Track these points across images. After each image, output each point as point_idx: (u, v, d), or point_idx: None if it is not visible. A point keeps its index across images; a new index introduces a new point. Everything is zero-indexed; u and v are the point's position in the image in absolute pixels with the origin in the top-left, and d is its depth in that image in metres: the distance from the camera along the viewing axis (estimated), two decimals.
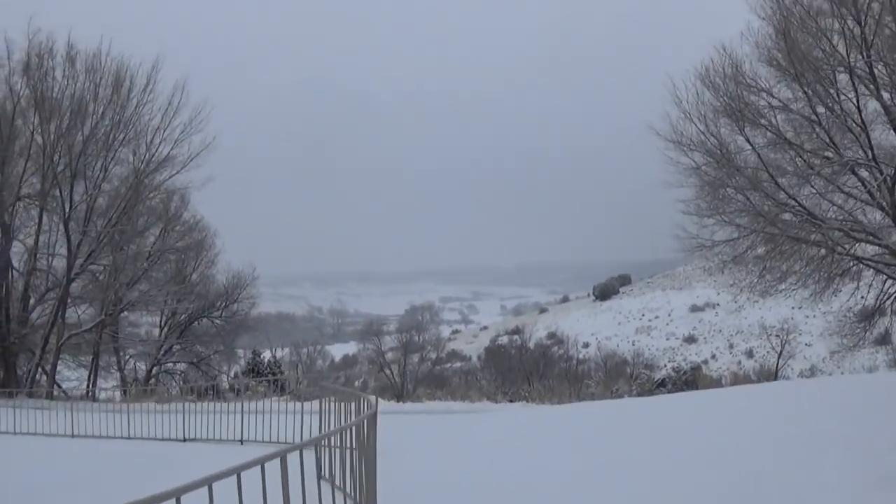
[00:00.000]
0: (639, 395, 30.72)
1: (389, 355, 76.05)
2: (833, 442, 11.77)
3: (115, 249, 36.64)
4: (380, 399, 32.42)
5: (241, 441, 17.92)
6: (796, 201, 28.53)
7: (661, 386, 32.20)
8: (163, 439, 19.55)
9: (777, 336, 72.38)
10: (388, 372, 73.27)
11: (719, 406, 19.35)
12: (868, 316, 32.23)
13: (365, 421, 8.42)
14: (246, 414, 17.97)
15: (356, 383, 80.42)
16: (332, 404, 13.75)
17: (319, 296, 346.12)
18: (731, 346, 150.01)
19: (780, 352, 59.94)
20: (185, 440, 19.40)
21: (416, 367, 73.25)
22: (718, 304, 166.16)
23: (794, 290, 30.95)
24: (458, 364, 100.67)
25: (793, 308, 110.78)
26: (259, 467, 5.74)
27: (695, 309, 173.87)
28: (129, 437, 20.36)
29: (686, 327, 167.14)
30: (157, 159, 36.30)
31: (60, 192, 34.55)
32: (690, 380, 32.65)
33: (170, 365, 46.82)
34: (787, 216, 29.23)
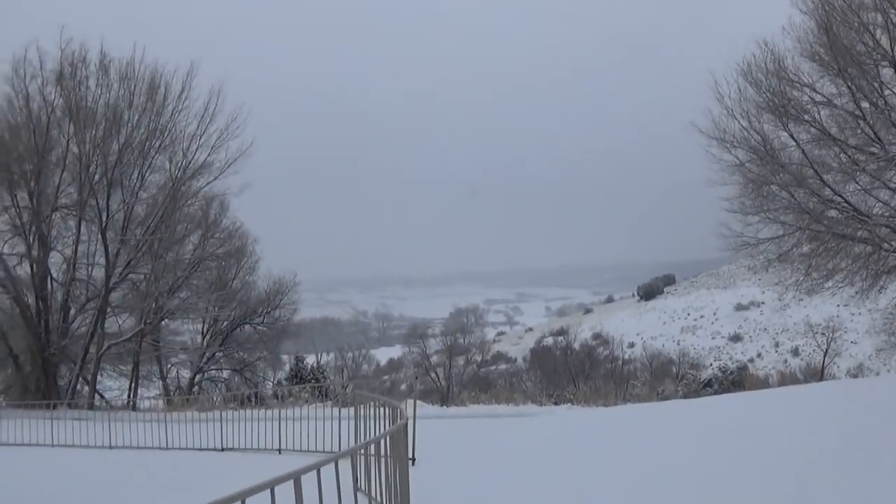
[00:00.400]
0: (685, 396, 30.36)
1: (434, 358, 76.23)
2: (885, 446, 11.46)
3: (154, 258, 36.48)
4: (423, 403, 32.29)
5: (280, 450, 17.75)
6: (842, 197, 28.00)
7: (708, 386, 31.80)
8: (200, 449, 19.44)
9: (823, 334, 71.49)
10: (433, 375, 73.09)
11: (766, 408, 19.02)
12: None
13: (393, 433, 8.13)
14: (285, 421, 17.78)
15: (402, 387, 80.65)
16: (369, 410, 13.59)
17: (364, 300, 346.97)
18: (776, 345, 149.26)
19: (826, 350, 59.45)
20: (222, 449, 19.27)
21: (462, 369, 73.15)
22: (763, 303, 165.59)
23: (840, 287, 30.45)
24: (503, 366, 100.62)
25: (838, 306, 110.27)
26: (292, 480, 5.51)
27: (739, 308, 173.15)
28: (166, 448, 20.31)
29: (731, 326, 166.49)
30: (193, 166, 35.96)
31: (97, 202, 34.30)
32: (737, 380, 32.23)
33: (213, 372, 46.70)
34: (832, 213, 28.73)
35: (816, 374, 45.89)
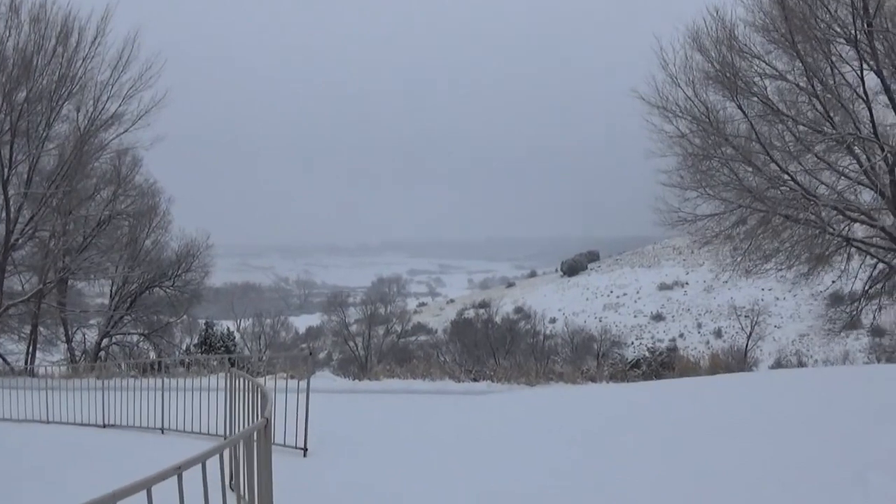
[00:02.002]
0: (611, 376, 28.96)
1: (354, 327, 75.95)
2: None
3: (60, 214, 34.41)
4: (333, 376, 30.64)
5: (163, 430, 15.77)
6: (790, 176, 26.66)
7: (636, 367, 30.42)
8: (82, 424, 17.44)
9: (747, 317, 71.76)
10: (351, 344, 72.50)
11: (710, 396, 17.46)
12: (855, 300, 30.71)
13: (245, 438, 6.38)
14: (179, 392, 15.59)
15: (320, 356, 79.67)
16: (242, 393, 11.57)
17: (287, 267, 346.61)
18: (699, 326, 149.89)
19: (750, 333, 59.58)
20: (104, 426, 17.27)
21: (381, 339, 72.50)
22: (687, 283, 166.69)
23: (780, 269, 29.26)
24: (423, 337, 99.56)
25: (763, 290, 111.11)
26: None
27: (663, 287, 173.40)
28: (47, 422, 18.40)
29: (654, 305, 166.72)
30: (103, 117, 34.04)
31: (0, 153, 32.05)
32: (666, 361, 30.85)
33: (121, 337, 44.53)
34: (776, 192, 27.39)
35: (740, 356, 44.87)
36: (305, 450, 12.42)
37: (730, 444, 11.17)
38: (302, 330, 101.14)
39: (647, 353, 32.62)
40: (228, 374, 11.82)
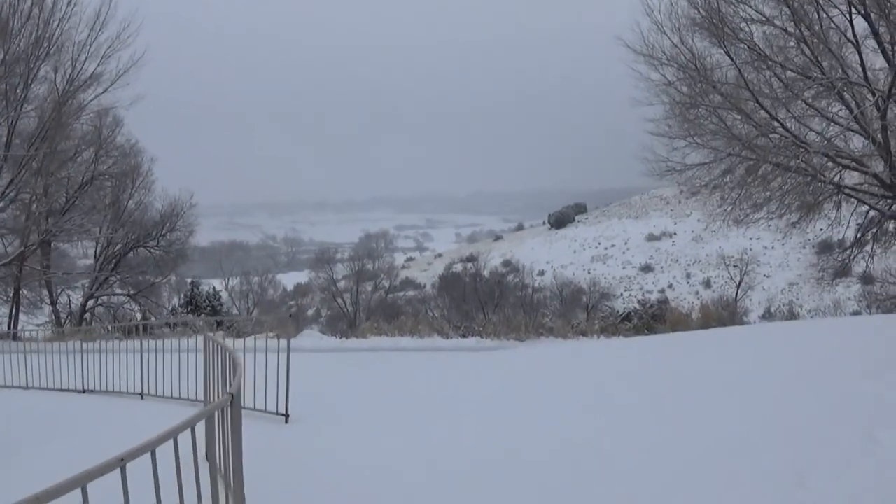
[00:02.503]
0: (602, 330, 28.61)
1: (342, 283, 75.73)
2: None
3: (43, 176, 33.92)
4: (320, 335, 30.22)
5: (142, 395, 15.30)
6: (780, 123, 26.14)
7: (627, 320, 30.09)
8: (61, 390, 17.01)
9: (736, 266, 71.84)
10: (339, 301, 72.34)
11: (706, 352, 17.03)
12: (846, 248, 30.36)
13: (207, 414, 5.98)
14: (159, 354, 15.10)
15: (308, 313, 79.61)
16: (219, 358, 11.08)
17: (274, 224, 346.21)
18: (688, 276, 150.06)
19: (739, 283, 59.59)
20: (84, 391, 16.83)
21: (370, 295, 72.31)
22: (675, 234, 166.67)
23: (771, 218, 28.85)
24: (411, 292, 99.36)
25: (751, 239, 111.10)
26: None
27: (651, 238, 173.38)
28: (25, 387, 17.98)
29: (643, 256, 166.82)
30: (82, 77, 33.49)
31: None
32: (658, 314, 30.52)
33: (106, 298, 44.09)
34: (764, 141, 26.90)
35: (730, 306, 44.58)
36: (287, 416, 11.96)
37: (729, 403, 10.79)
38: (290, 287, 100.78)
39: (637, 306, 32.26)
40: (204, 340, 11.35)
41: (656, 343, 21.07)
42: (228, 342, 11.78)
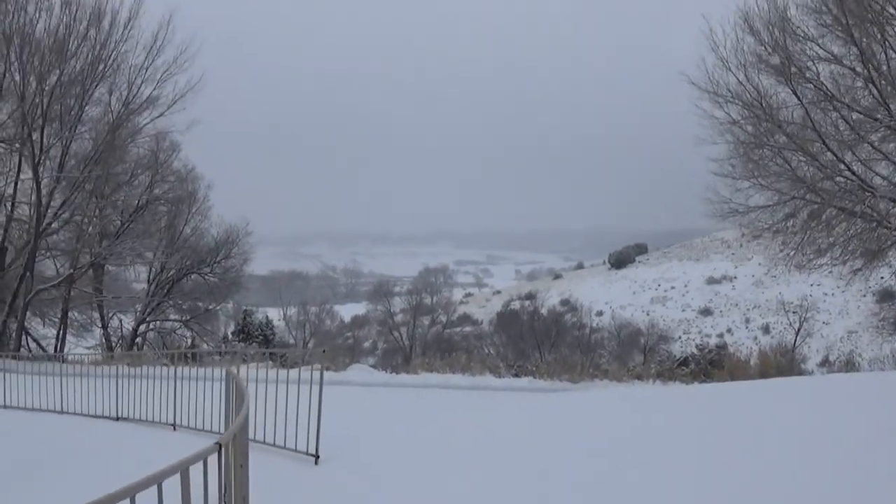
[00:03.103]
0: (658, 374, 27.95)
1: (399, 317, 75.34)
2: None
3: (97, 198, 33.94)
4: (370, 369, 29.75)
5: (174, 426, 14.84)
6: (846, 165, 25.40)
7: (684, 365, 29.39)
8: (96, 416, 16.54)
9: (795, 313, 70.69)
10: (396, 334, 72.23)
11: (763, 403, 16.29)
12: None
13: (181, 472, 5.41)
14: (196, 382, 14.52)
15: (364, 344, 79.39)
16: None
17: (334, 255, 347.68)
18: (747, 321, 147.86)
19: (798, 329, 58.50)
20: (118, 418, 16.37)
21: (426, 330, 72.06)
22: (735, 277, 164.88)
23: (834, 265, 28.10)
24: (468, 328, 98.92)
25: (811, 286, 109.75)
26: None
27: (711, 281, 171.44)
28: (61, 412, 17.55)
29: (702, 299, 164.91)
30: (137, 100, 33.67)
31: (31, 136, 31.33)
32: (716, 359, 29.78)
33: (157, 323, 43.98)
34: (830, 184, 26.20)
35: (790, 354, 43.64)
36: (317, 456, 11.23)
37: (795, 460, 10.12)
38: (347, 319, 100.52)
39: (695, 351, 31.53)
40: (226, 375, 10.89)
41: (716, 392, 20.24)
42: (271, 373, 11.34)
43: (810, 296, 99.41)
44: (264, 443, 11.74)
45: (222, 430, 13.04)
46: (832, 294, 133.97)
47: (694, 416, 15.01)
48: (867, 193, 24.83)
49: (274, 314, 69.48)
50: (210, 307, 44.65)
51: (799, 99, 25.42)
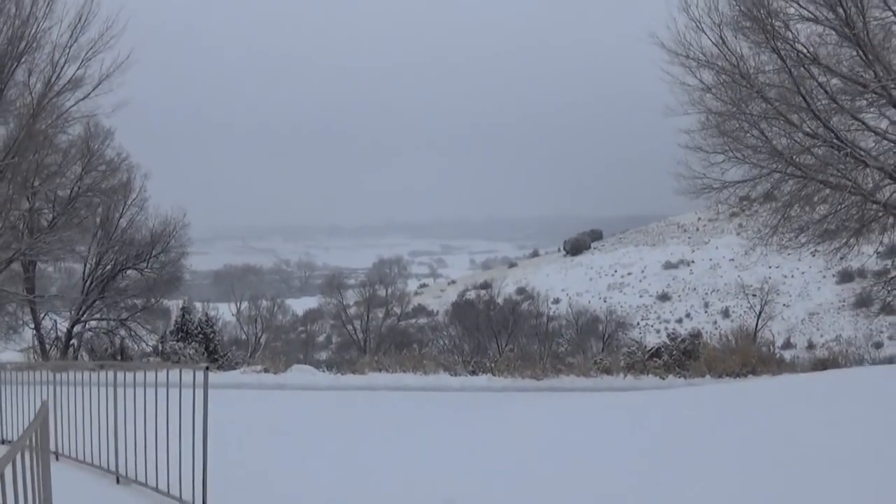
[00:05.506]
0: (629, 367, 25.87)
1: (353, 310, 74.84)
2: None
3: (16, 189, 31.49)
4: (313, 370, 27.32)
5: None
6: (834, 133, 23.14)
7: (656, 356, 27.28)
8: None
9: (755, 296, 69.66)
10: (350, 328, 71.47)
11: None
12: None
13: None
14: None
15: (318, 339, 78.09)
16: None
17: (288, 248, 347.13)
18: (706, 305, 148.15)
19: (760, 312, 57.18)
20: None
21: (381, 322, 71.26)
22: (693, 262, 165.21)
23: (819, 242, 26.01)
24: (423, 320, 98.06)
25: (770, 267, 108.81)
26: None
27: (668, 266, 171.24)
28: None
29: (659, 285, 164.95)
30: (61, 81, 30.75)
31: None
32: (690, 349, 27.64)
33: (94, 323, 41.36)
34: (810, 159, 24.13)
35: (749, 336, 41.46)
36: None
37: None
38: (300, 312, 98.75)
39: (667, 341, 29.37)
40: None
41: (696, 394, 17.77)
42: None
43: (770, 278, 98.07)
44: (136, 481, 9.42)
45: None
46: (791, 276, 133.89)
47: (683, 421, 12.50)
48: (859, 162, 22.70)
49: (226, 309, 67.86)
50: (147, 304, 42.10)
51: (782, 59, 23.08)
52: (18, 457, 4.76)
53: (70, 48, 30.41)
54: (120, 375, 10.07)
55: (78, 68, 30.84)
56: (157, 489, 8.90)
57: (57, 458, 11.88)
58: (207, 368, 8.12)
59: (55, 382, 11.93)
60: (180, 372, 8.84)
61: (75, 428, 11.27)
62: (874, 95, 23.02)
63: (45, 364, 21.24)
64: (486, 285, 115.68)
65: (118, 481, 9.86)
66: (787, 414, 12.35)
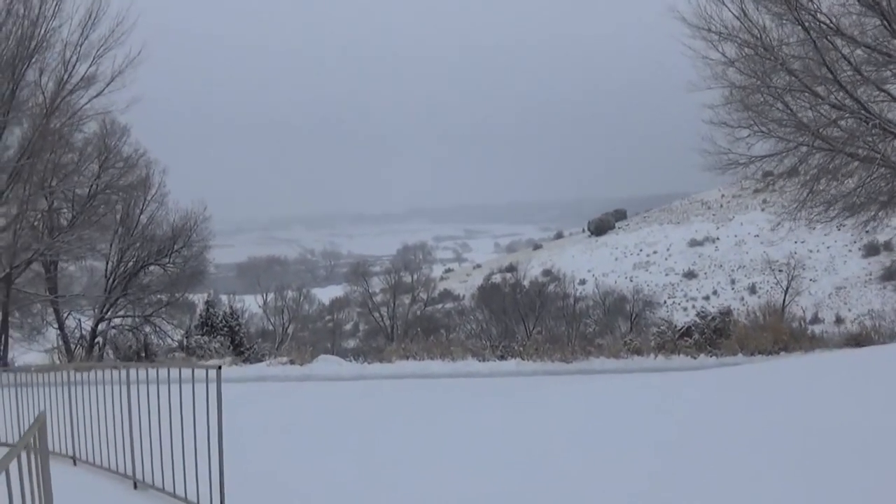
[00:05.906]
0: (659, 347, 25.53)
1: (379, 297, 75.20)
2: None
3: (34, 190, 31.33)
4: (339, 360, 26.96)
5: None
6: (861, 105, 22.69)
7: (686, 336, 26.93)
8: None
9: (781, 271, 69.12)
10: (376, 315, 71.22)
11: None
12: None
13: None
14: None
15: (345, 327, 77.95)
16: None
17: (312, 238, 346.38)
18: (733, 282, 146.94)
19: (787, 288, 56.67)
20: None
21: (407, 308, 71.13)
22: (718, 238, 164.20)
23: (847, 216, 25.62)
24: (449, 305, 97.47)
25: (796, 243, 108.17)
26: None
27: (694, 243, 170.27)
28: None
29: (685, 262, 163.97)
30: (73, 80, 30.83)
31: None
32: (721, 327, 27.29)
33: (119, 320, 41.18)
34: (836, 130, 23.69)
35: (777, 312, 40.92)
36: None
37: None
38: (327, 302, 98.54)
39: (697, 319, 29.00)
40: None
41: (738, 376, 17.23)
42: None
43: (795, 253, 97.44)
44: (153, 486, 9.18)
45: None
46: (817, 250, 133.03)
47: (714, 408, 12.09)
48: (889, 134, 22.28)
49: (252, 301, 67.79)
50: (171, 299, 41.90)
51: (805, 30, 22.63)
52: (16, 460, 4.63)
53: (81, 46, 30.50)
54: (134, 374, 9.82)
55: (90, 66, 30.99)
56: (174, 495, 8.66)
57: (75, 463, 11.69)
58: (220, 368, 7.82)
59: (72, 383, 11.72)
60: (192, 372, 8.54)
61: (93, 431, 11.07)
62: None
63: (63, 366, 20.86)
64: (511, 268, 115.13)
65: (135, 486, 9.66)
66: (823, 394, 11.97)
